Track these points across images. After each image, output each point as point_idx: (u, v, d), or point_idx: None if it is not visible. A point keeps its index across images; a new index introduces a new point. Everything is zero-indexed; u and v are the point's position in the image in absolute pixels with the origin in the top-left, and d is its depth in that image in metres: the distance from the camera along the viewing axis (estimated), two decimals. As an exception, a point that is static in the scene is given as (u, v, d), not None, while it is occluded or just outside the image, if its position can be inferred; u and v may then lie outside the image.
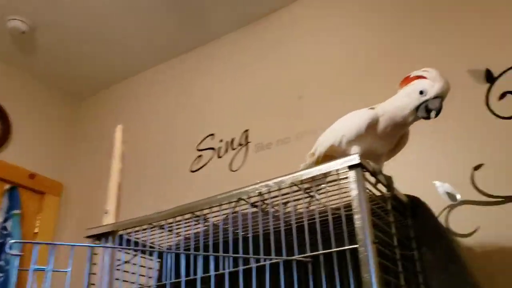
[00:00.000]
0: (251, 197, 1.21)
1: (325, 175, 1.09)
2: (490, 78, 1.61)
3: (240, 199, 1.21)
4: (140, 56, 2.68)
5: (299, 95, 2.07)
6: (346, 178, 1.08)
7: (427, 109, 1.07)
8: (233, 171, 2.14)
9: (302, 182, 1.11)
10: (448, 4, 1.81)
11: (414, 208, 1.29)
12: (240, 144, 2.17)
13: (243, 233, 1.22)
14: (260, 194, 1.18)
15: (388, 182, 1.18)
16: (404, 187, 1.20)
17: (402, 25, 1.90)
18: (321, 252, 1.02)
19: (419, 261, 1.22)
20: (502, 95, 1.56)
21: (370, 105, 1.17)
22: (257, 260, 1.09)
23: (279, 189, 1.15)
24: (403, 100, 1.10)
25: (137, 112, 2.71)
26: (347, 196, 1.09)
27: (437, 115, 1.07)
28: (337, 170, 1.06)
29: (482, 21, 1.70)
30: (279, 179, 1.14)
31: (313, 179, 1.10)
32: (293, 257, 1.02)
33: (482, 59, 1.64)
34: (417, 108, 1.08)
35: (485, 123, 1.56)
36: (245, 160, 2.12)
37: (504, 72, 1.59)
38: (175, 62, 2.67)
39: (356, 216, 0.99)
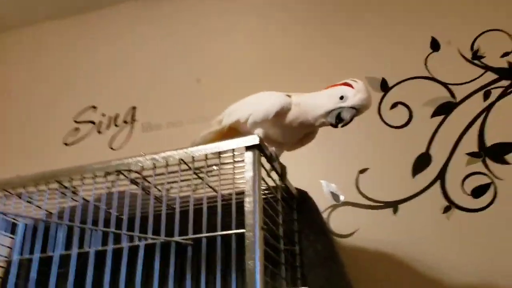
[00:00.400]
0: (132, 171, 1.08)
1: (220, 154, 1.00)
2: (385, 87, 1.66)
3: (119, 172, 1.07)
4: (27, 7, 2.34)
5: (198, 78, 1.96)
6: (242, 161, 1.01)
7: (338, 117, 1.01)
8: (113, 149, 1.95)
9: (193, 159, 1.01)
10: (355, 9, 1.84)
11: (302, 202, 1.26)
12: (125, 122, 2.00)
13: (117, 213, 1.08)
14: (143, 168, 1.05)
15: (282, 171, 1.13)
16: (291, 181, 1.16)
17: (307, 23, 1.90)
18: (204, 235, 0.92)
19: (299, 256, 1.18)
20: (394, 105, 1.61)
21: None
22: (131, 240, 0.96)
23: (167, 166, 1.03)
24: (322, 99, 1.04)
25: (15, 68, 2.36)
26: (239, 179, 1.02)
27: (343, 125, 1.02)
28: (233, 150, 0.98)
29: (386, 31, 1.75)
30: (167, 153, 1.02)
31: (206, 157, 1.01)
32: (172, 238, 0.91)
33: (380, 68, 1.69)
34: (329, 112, 1.03)
35: (375, 130, 1.60)
36: (129, 140, 1.95)
37: (399, 83, 1.64)
38: (67, 22, 2.38)
39: (247, 199, 0.92)
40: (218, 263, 0.89)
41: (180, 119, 1.90)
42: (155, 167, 1.03)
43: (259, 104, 1.11)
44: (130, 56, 2.15)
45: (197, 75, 1.97)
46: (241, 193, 0.99)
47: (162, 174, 1.05)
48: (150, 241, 0.93)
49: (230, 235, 0.92)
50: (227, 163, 1.01)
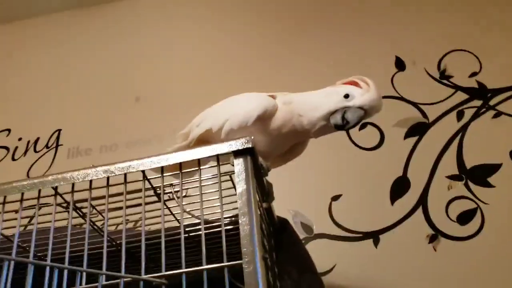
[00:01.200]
0: (57, 193, 0.79)
1: (199, 162, 0.76)
2: (351, 107, 1.51)
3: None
4: None
5: (137, 97, 1.70)
6: (228, 173, 0.78)
7: (344, 118, 0.83)
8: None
9: (162, 171, 0.76)
10: (316, 24, 1.71)
11: (282, 231, 1.05)
12: (47, 147, 1.67)
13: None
14: (73, 188, 0.77)
15: (269, 189, 0.91)
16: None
17: (262, 36, 1.74)
18: (183, 270, 0.67)
19: None
20: (363, 125, 1.47)
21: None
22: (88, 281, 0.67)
23: (125, 182, 0.77)
24: (320, 98, 0.86)
25: None
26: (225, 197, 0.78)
27: (348, 128, 0.86)
28: (217, 156, 0.75)
29: (349, 47, 1.64)
30: (121, 164, 0.76)
31: (181, 169, 0.76)
32: (141, 277, 0.64)
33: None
34: (332, 113, 0.84)
35: (346, 153, 1.45)
36: (52, 167, 1.62)
37: (366, 103, 1.51)
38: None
39: (242, 220, 0.68)
40: (207, 310, 0.64)
41: (115, 142, 1.62)
42: (108, 184, 0.76)
43: (236, 107, 0.90)
44: (54, 72, 1.85)
45: (135, 93, 1.71)
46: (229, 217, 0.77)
47: (116, 195, 0.79)
48: (109, 281, 0.65)
49: (219, 269, 0.67)
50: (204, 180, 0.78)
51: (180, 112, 1.57)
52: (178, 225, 0.90)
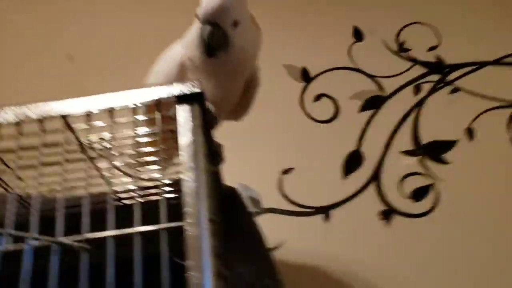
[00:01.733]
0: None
1: (134, 110, 0.63)
2: (306, 77, 1.42)
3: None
4: None
5: (68, 54, 1.52)
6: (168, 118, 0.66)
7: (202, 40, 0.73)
8: None
9: (88, 115, 0.62)
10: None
11: (230, 200, 0.94)
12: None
13: None
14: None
15: (218, 149, 0.80)
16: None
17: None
18: (111, 232, 0.54)
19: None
20: (318, 97, 1.39)
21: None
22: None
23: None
24: (192, 32, 0.78)
25: None
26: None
27: (213, 50, 0.74)
28: (157, 100, 0.62)
29: (304, 17, 1.54)
30: (38, 107, 0.62)
31: (112, 117, 0.63)
32: (55, 239, 0.51)
33: (299, 56, 1.46)
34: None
35: (299, 124, 1.36)
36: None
37: (322, 73, 1.43)
38: None
39: (187, 176, 0.57)
40: (138, 277, 0.51)
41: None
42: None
43: (156, 72, 0.85)
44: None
45: (67, 50, 1.53)
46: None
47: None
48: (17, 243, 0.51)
49: (155, 233, 0.55)
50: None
51: (115, 72, 1.43)
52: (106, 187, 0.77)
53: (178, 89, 0.61)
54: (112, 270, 0.51)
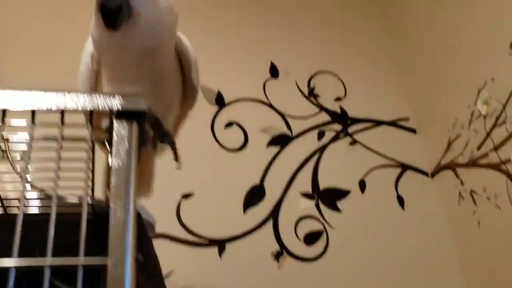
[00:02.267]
0: None
1: (62, 114, 0.54)
2: (220, 101, 1.40)
3: None
4: None
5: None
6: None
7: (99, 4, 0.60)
8: None
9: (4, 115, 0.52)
10: (199, 13, 1.55)
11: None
12: None
13: None
14: None
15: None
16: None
17: None
18: (13, 264, 0.45)
19: None
20: (229, 124, 1.37)
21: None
22: None
23: None
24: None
25: None
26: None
27: (111, 17, 0.59)
28: (90, 112, 0.55)
29: (227, 43, 1.52)
30: None
31: (33, 119, 0.53)
32: None
33: (216, 80, 1.43)
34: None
35: (207, 149, 1.32)
36: None
37: (236, 101, 1.42)
38: None
39: (116, 205, 0.50)
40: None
41: None
42: None
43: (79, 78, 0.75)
44: None
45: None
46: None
47: None
48: None
49: (71, 268, 0.47)
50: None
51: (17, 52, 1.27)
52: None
53: (117, 102, 0.55)
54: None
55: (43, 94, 0.53)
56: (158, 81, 0.70)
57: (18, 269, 0.44)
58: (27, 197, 0.69)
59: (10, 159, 0.61)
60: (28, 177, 0.61)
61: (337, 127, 1.47)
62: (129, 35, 0.62)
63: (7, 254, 0.45)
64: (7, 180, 0.67)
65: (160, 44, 0.67)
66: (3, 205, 0.69)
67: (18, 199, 0.58)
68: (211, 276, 1.14)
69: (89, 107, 0.54)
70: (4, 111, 0.51)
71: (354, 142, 1.45)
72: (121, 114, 0.55)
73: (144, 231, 0.88)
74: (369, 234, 1.30)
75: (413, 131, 1.52)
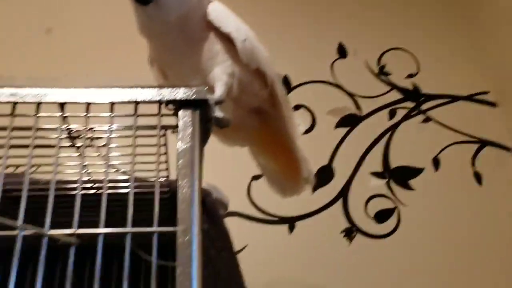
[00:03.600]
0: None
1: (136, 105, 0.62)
2: (287, 85, 1.44)
3: None
4: None
5: (47, 28, 1.47)
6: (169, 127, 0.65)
7: None
8: None
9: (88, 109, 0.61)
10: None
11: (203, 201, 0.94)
12: None
13: None
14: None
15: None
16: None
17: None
18: (102, 230, 0.53)
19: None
20: (296, 107, 1.41)
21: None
22: None
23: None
24: None
25: None
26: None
27: None
28: (159, 102, 0.62)
29: (292, 28, 1.55)
30: (35, 90, 0.60)
31: (112, 110, 0.61)
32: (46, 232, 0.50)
33: (283, 64, 1.46)
34: None
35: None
36: None
37: (303, 84, 1.45)
38: None
39: (182, 182, 0.57)
40: (125, 279, 0.51)
41: (14, 75, 1.37)
42: (13, 113, 0.60)
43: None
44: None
45: (46, 24, 1.48)
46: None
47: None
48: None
49: (147, 235, 0.54)
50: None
51: (95, 48, 1.39)
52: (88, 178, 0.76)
53: (182, 93, 0.61)
54: (100, 264, 0.51)
55: (119, 90, 0.61)
56: (193, 50, 0.73)
57: (106, 235, 0.53)
58: (111, 178, 0.78)
59: (96, 146, 0.71)
60: (111, 161, 0.70)
61: (409, 104, 1.45)
62: (159, 5, 0.67)
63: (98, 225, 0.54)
64: (94, 164, 0.77)
65: (189, 12, 0.70)
66: (93, 187, 0.79)
67: (104, 181, 0.67)
68: (282, 252, 1.20)
69: (157, 98, 0.61)
70: (88, 105, 0.60)
71: (427, 119, 1.43)
72: (185, 103, 0.61)
73: (216, 209, 0.96)
74: (443, 211, 1.28)
75: (492, 104, 1.45)
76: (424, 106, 1.44)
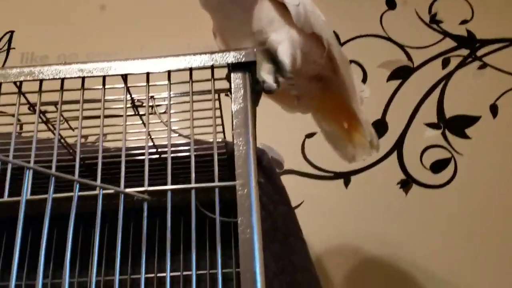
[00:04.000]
0: (21, 92, 0.68)
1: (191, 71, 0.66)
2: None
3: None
4: None
5: (102, 4, 1.54)
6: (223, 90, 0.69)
7: None
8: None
9: (148, 78, 0.66)
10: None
11: (259, 159, 0.99)
12: (-3, 48, 1.50)
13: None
14: (40, 88, 0.67)
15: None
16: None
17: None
18: (170, 187, 0.59)
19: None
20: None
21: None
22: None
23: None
24: None
25: None
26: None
27: None
28: (212, 67, 0.66)
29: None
30: (100, 64, 0.66)
31: (169, 79, 0.66)
32: (122, 190, 0.56)
33: (330, 20, 1.45)
34: None
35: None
36: None
37: (352, 39, 1.44)
38: None
39: (238, 141, 0.61)
40: (193, 230, 0.57)
41: (75, 52, 1.47)
42: (83, 87, 0.66)
43: None
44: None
45: (101, 1, 1.55)
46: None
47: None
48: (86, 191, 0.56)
49: (209, 190, 0.60)
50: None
51: (150, 24, 1.45)
52: (152, 144, 0.82)
53: (232, 56, 0.65)
54: (169, 217, 0.57)
55: (175, 58, 0.66)
56: (249, 18, 0.75)
57: (172, 191, 0.59)
58: (173, 143, 0.84)
59: (157, 113, 0.77)
60: (172, 126, 0.75)
61: (464, 52, 1.40)
62: None
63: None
64: (157, 130, 0.83)
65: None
66: (157, 151, 0.86)
67: (167, 144, 0.72)
68: (338, 205, 1.24)
69: (210, 63, 0.65)
70: (148, 74, 0.65)
71: (484, 65, 1.39)
72: (236, 66, 0.65)
73: (271, 166, 1.00)
74: (501, 159, 1.26)
75: (556, 45, 1.39)
76: (480, 52, 1.39)
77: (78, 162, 0.61)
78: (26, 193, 0.54)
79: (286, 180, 1.26)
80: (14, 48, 1.49)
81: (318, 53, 0.79)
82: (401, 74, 1.39)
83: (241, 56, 0.64)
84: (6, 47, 1.50)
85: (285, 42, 0.75)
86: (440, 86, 1.36)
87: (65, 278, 0.54)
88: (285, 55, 0.75)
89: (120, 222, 0.57)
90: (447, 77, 1.37)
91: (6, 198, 0.58)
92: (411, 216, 1.21)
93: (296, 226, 0.98)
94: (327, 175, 1.28)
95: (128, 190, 0.56)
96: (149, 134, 0.79)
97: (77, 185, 0.55)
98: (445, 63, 1.39)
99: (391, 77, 1.39)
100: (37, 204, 0.57)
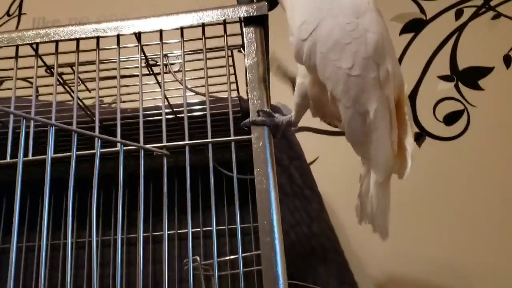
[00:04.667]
0: (37, 54, 0.69)
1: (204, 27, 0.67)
2: None
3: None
4: None
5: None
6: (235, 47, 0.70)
7: None
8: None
9: (161, 35, 0.67)
10: None
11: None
12: (9, 14, 1.50)
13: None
14: (57, 49, 0.68)
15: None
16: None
17: None
18: (187, 142, 0.61)
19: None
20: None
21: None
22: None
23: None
24: None
25: None
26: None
27: None
28: (224, 21, 0.66)
29: None
30: (114, 24, 0.66)
31: (182, 35, 0.67)
32: (143, 146, 0.59)
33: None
34: None
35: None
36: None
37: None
38: None
39: (252, 95, 0.62)
40: (212, 183, 0.59)
41: (86, 15, 1.47)
42: (98, 47, 0.67)
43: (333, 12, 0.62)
44: None
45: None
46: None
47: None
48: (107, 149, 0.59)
49: (224, 149, 0.62)
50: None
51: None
52: (167, 103, 0.84)
53: (243, 10, 0.65)
54: (189, 172, 0.59)
55: (187, 14, 0.66)
56: None
57: (189, 145, 0.60)
58: (189, 102, 0.86)
59: (172, 71, 0.78)
60: (186, 84, 0.77)
61: (477, 2, 1.37)
62: None
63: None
64: (172, 89, 0.84)
65: None
66: (173, 111, 0.87)
67: (183, 103, 0.74)
68: (353, 160, 1.25)
69: (222, 18, 0.65)
70: (161, 31, 0.66)
71: (498, 15, 1.36)
72: (248, 20, 0.65)
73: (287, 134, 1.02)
74: (515, 110, 1.26)
75: None
76: (494, 2, 1.36)
77: (98, 120, 0.63)
78: (51, 151, 0.56)
79: (301, 137, 1.29)
80: (25, 14, 1.50)
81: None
82: (414, 27, 1.37)
83: (253, 10, 0.65)
84: (17, 12, 1.50)
85: (296, 88, 0.71)
86: (453, 38, 1.34)
87: (93, 237, 0.56)
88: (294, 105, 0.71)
89: (142, 179, 0.59)
90: (460, 28, 1.35)
91: (30, 157, 0.60)
92: (425, 168, 1.22)
93: (311, 179, 1.01)
94: (341, 131, 1.28)
95: (147, 146, 0.58)
96: (164, 93, 0.80)
97: (99, 142, 0.57)
98: (458, 15, 1.36)
99: (404, 31, 1.37)
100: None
